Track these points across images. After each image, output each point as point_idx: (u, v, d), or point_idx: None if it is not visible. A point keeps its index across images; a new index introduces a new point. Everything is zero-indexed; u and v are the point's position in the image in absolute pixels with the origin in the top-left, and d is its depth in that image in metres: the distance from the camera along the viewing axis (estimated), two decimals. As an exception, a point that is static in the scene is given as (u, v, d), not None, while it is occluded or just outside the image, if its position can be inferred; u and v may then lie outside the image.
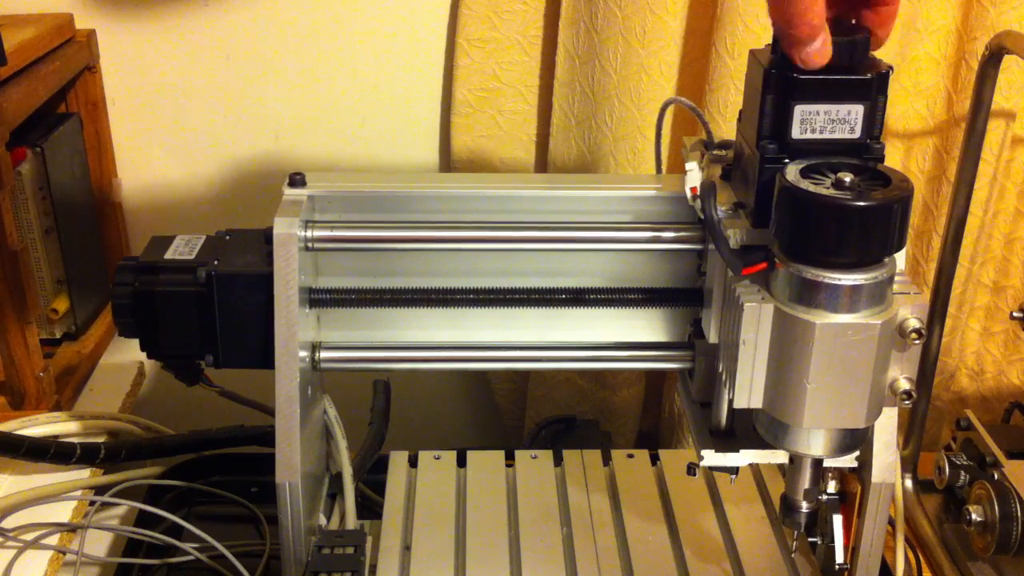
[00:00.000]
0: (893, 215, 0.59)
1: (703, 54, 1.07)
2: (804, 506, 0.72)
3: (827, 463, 0.73)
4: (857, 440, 0.67)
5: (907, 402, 0.64)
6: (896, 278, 0.63)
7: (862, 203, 0.58)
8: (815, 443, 0.66)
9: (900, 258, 0.65)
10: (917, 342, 0.62)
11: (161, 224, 1.22)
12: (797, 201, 0.60)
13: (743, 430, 0.74)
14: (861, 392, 0.63)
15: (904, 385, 0.64)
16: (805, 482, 0.71)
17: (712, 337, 0.72)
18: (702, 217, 0.69)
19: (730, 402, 0.67)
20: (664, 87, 1.07)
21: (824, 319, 0.61)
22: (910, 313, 0.62)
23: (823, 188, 0.59)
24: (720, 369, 0.70)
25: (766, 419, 0.67)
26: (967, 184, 0.91)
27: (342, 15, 1.14)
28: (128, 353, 1.11)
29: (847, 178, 0.60)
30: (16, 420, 0.94)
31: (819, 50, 0.60)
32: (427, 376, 1.30)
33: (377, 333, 0.82)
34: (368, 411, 0.95)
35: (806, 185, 0.60)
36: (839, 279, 0.60)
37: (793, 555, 0.81)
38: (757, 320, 0.63)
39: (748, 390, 0.65)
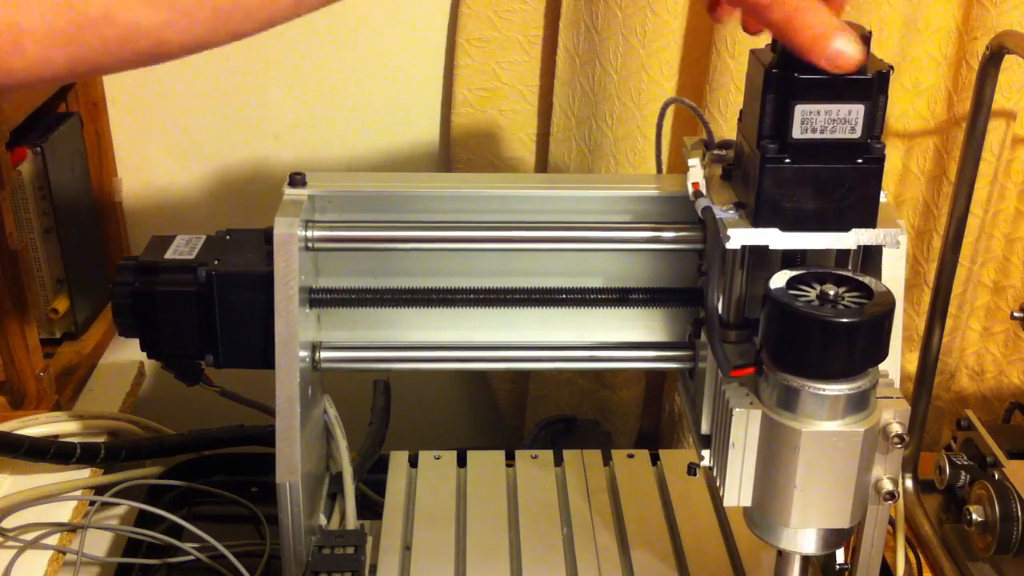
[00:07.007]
0: (876, 330, 0.61)
1: (703, 54, 1.07)
2: None
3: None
4: (843, 537, 0.69)
5: (890, 502, 0.66)
6: (880, 380, 0.64)
7: (845, 320, 0.60)
8: (803, 541, 0.68)
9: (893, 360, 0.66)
10: (899, 446, 0.65)
11: (161, 224, 1.21)
12: (783, 314, 0.61)
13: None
14: (846, 494, 0.65)
15: (888, 486, 0.66)
16: (794, 575, 0.72)
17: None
18: (702, 219, 0.69)
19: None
20: (664, 87, 1.07)
21: (810, 427, 0.62)
22: (892, 418, 0.64)
23: (808, 300, 0.61)
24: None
25: (756, 514, 0.68)
26: (967, 184, 0.91)
27: (342, 15, 1.14)
28: (128, 353, 1.11)
29: (831, 291, 0.62)
30: (16, 420, 0.94)
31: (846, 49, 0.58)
32: (427, 376, 1.30)
33: (377, 333, 0.82)
34: (368, 411, 0.95)
35: (791, 297, 0.61)
36: (823, 389, 0.62)
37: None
38: (746, 425, 0.65)
39: (738, 489, 0.67)
